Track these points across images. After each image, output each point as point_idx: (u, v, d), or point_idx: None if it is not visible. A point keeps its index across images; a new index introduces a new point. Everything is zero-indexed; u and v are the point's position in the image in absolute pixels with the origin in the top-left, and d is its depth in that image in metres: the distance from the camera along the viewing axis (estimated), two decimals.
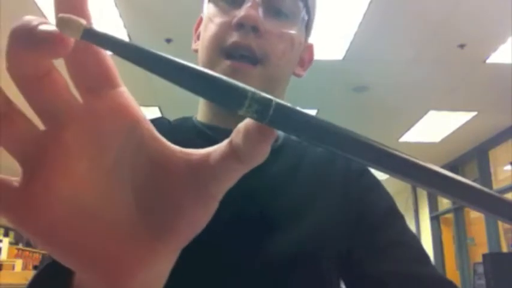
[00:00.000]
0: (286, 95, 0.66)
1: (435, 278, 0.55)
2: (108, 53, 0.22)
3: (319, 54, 3.74)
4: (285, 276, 0.53)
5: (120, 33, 3.45)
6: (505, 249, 5.60)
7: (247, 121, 0.22)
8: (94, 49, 0.23)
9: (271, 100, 0.20)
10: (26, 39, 0.20)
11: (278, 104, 0.20)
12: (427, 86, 4.32)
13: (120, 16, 3.27)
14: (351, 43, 3.56)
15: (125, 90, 0.24)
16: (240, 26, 0.57)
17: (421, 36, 3.52)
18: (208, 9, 0.63)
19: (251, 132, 0.21)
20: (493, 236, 5.71)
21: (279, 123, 0.20)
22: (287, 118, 0.20)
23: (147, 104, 4.71)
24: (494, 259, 4.43)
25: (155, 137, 0.24)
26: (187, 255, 0.51)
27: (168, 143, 0.25)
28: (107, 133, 0.23)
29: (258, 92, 0.20)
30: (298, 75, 0.68)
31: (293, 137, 0.70)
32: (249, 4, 0.57)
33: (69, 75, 0.23)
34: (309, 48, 0.70)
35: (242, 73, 0.57)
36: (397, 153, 0.20)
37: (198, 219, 0.24)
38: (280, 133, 0.67)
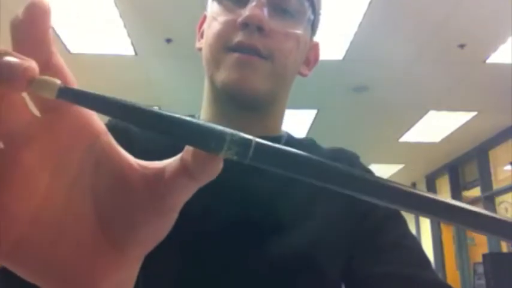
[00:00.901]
0: None
1: (435, 283, 0.55)
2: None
3: None
4: (286, 279, 0.53)
5: (120, 33, 3.45)
6: (505, 249, 5.59)
7: None
8: (52, 65, 0.23)
9: (250, 140, 0.20)
10: None
11: (258, 144, 0.20)
12: (427, 86, 4.32)
13: (120, 16, 3.27)
14: (351, 43, 3.56)
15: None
16: (245, 25, 0.56)
17: (421, 36, 3.51)
18: (212, 7, 0.62)
19: (199, 151, 0.22)
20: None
21: (260, 161, 0.21)
22: (268, 156, 0.21)
23: (148, 104, 4.71)
24: (494, 259, 4.43)
25: (114, 151, 0.24)
26: (189, 260, 0.51)
27: (127, 157, 0.25)
28: (66, 150, 0.23)
29: (236, 133, 0.20)
30: (304, 75, 0.68)
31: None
32: (254, 3, 0.56)
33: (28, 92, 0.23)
34: (315, 48, 0.70)
35: (250, 65, 0.56)
36: (383, 182, 0.21)
37: (157, 230, 0.25)
38: (283, 135, 0.66)
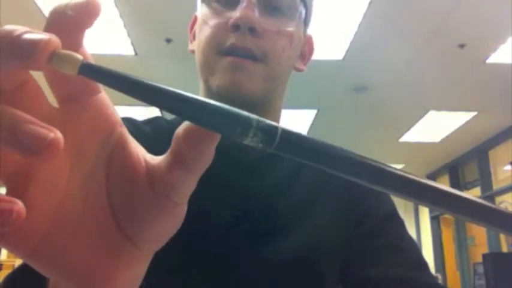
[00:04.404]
0: (287, 95, 0.66)
1: (434, 286, 0.55)
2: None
3: (319, 54, 3.75)
4: (284, 280, 0.53)
5: (120, 33, 3.45)
6: (505, 249, 5.59)
7: (186, 124, 0.21)
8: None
9: (276, 128, 0.19)
10: (8, 50, 0.19)
11: (284, 132, 0.19)
12: (427, 86, 4.32)
13: (120, 16, 3.27)
14: (351, 43, 3.56)
15: (103, 96, 0.24)
16: (237, 27, 0.55)
17: (421, 36, 3.51)
18: (202, 10, 0.61)
19: (191, 135, 0.21)
20: (493, 236, 5.70)
21: (285, 150, 0.20)
22: (294, 145, 0.20)
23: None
24: (494, 259, 4.43)
25: (127, 144, 0.24)
26: (188, 260, 0.51)
27: (137, 151, 0.24)
28: (84, 141, 0.23)
29: (262, 120, 0.20)
30: (300, 70, 0.67)
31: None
32: (244, 4, 0.56)
33: (48, 83, 0.22)
34: (309, 41, 0.68)
35: (244, 69, 0.56)
36: (407, 175, 0.20)
37: (168, 226, 0.25)
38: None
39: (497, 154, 5.79)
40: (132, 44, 3.64)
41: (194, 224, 0.52)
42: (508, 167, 5.63)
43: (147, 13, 3.27)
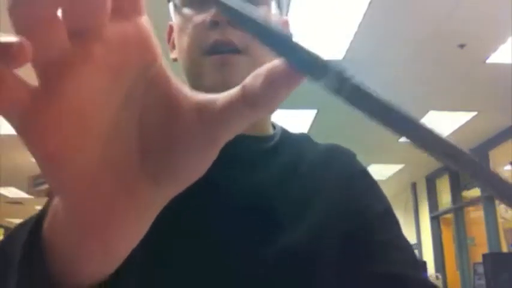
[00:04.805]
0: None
1: (429, 284, 0.55)
2: None
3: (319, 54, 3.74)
4: (281, 276, 0.53)
5: None
6: (505, 249, 5.60)
7: (272, 64, 0.21)
8: None
9: (348, 79, 0.22)
10: None
11: (353, 85, 0.22)
12: (427, 86, 4.32)
13: None
14: (351, 43, 3.56)
15: (148, 21, 0.23)
16: (215, 23, 0.56)
17: (421, 36, 3.51)
18: (175, 18, 0.63)
19: (276, 75, 0.21)
20: (493, 236, 5.71)
21: (351, 100, 0.22)
22: (359, 98, 0.22)
23: None
24: (494, 259, 4.44)
25: (167, 77, 0.23)
26: (186, 254, 0.51)
27: (180, 85, 0.24)
28: (126, 63, 0.22)
29: (338, 67, 0.21)
30: None
31: (294, 135, 0.69)
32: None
33: None
34: (285, 24, 0.70)
35: (230, 64, 0.57)
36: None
37: (199, 165, 0.24)
38: (276, 132, 0.66)
39: (497, 154, 5.79)
40: None
41: (193, 220, 0.52)
42: (508, 167, 5.63)
43: (147, 13, 3.27)
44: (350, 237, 0.57)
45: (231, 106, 0.22)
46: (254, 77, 0.22)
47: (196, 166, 0.24)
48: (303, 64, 0.21)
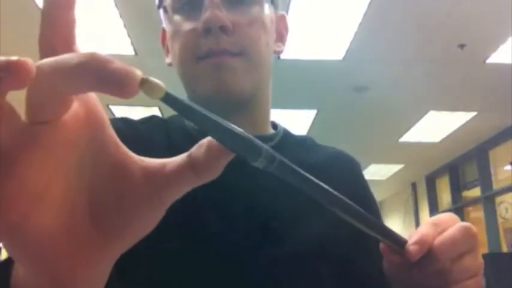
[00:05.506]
0: (286, 96, 0.66)
1: None
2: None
3: (319, 54, 3.75)
4: (285, 277, 0.53)
5: (120, 33, 3.45)
6: (505, 249, 5.60)
7: (211, 138, 0.24)
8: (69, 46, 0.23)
9: (276, 158, 0.26)
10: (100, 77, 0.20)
11: (280, 161, 0.26)
12: (427, 86, 4.32)
13: (120, 16, 3.27)
14: (351, 43, 3.56)
15: (93, 95, 0.24)
16: (208, 30, 0.55)
17: (421, 36, 3.52)
18: (168, 21, 0.61)
19: (213, 148, 0.24)
20: (493, 236, 5.71)
21: (279, 173, 0.27)
22: (285, 171, 0.27)
23: (148, 104, 4.71)
24: (494, 259, 4.44)
25: (115, 143, 0.25)
26: (189, 256, 0.51)
27: (127, 150, 0.25)
28: (75, 135, 0.23)
29: (268, 150, 0.25)
30: (279, 52, 0.67)
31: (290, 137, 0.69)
32: (207, 5, 0.55)
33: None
34: (282, 19, 0.68)
35: (226, 67, 0.56)
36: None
37: (146, 225, 0.26)
38: (277, 133, 0.66)
39: (497, 154, 5.79)
40: (132, 44, 3.65)
41: (191, 222, 0.52)
42: (508, 167, 5.63)
43: (147, 13, 3.27)
44: (352, 237, 0.57)
45: (179, 173, 0.24)
46: (198, 147, 0.24)
47: (144, 225, 0.26)
48: (240, 149, 0.24)
